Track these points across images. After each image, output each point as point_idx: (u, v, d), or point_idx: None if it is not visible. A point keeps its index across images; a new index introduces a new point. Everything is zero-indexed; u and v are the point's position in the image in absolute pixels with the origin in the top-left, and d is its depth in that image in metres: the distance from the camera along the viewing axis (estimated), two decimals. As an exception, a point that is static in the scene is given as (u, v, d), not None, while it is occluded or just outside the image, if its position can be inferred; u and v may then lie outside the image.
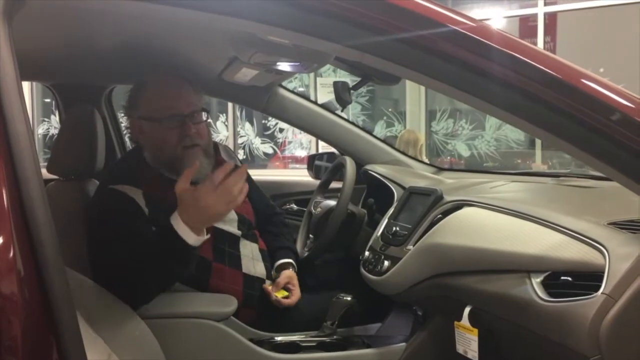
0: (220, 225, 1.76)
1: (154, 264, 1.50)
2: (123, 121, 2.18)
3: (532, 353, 1.35)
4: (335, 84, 1.90)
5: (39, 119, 9.47)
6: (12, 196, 0.79)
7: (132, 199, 1.63)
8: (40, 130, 9.42)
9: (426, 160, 3.80)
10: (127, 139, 2.72)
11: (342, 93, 1.89)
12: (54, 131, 9.40)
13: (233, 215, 1.82)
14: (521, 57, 0.93)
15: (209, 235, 1.49)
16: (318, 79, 8.15)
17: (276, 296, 1.81)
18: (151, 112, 1.70)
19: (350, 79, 2.07)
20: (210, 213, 1.42)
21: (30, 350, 0.78)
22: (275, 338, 1.76)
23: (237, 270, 1.77)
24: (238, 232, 1.82)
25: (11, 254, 0.77)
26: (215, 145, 1.90)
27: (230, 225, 1.81)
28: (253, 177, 1.98)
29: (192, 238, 1.43)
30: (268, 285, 1.84)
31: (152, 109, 1.70)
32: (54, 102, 2.47)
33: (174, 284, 1.61)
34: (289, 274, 1.88)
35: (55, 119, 9.34)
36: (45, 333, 0.79)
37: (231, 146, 8.71)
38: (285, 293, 1.85)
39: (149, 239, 1.57)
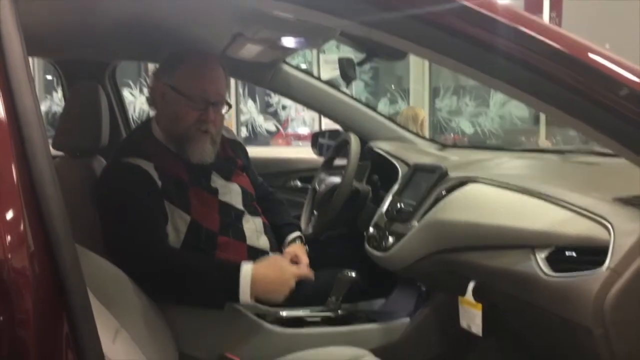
0: (226, 199, 1.79)
1: (192, 280, 1.57)
2: (127, 97, 2.19)
3: (536, 327, 1.36)
4: (340, 60, 1.89)
5: (41, 96, 9.46)
6: (21, 171, 0.79)
7: (146, 172, 1.65)
8: (42, 108, 9.42)
9: (427, 136, 3.78)
10: (130, 115, 2.72)
11: (347, 69, 1.89)
12: (56, 108, 9.39)
13: (237, 188, 1.85)
14: (527, 30, 0.93)
15: (253, 302, 1.57)
16: (321, 55, 8.11)
17: None
18: (182, 85, 1.71)
19: (354, 55, 2.06)
20: (276, 289, 1.58)
21: (42, 323, 0.79)
22: (281, 313, 1.78)
23: (242, 242, 1.79)
24: (242, 208, 1.84)
25: (22, 228, 0.77)
26: None
27: (235, 199, 1.83)
28: (256, 156, 2.00)
29: (246, 296, 1.53)
30: None
31: (184, 83, 1.71)
32: (55, 79, 2.47)
33: (187, 303, 1.63)
34: (289, 251, 1.92)
35: (57, 96, 9.32)
36: (56, 307, 0.80)
37: (234, 124, 8.70)
38: None
39: (164, 217, 1.63)
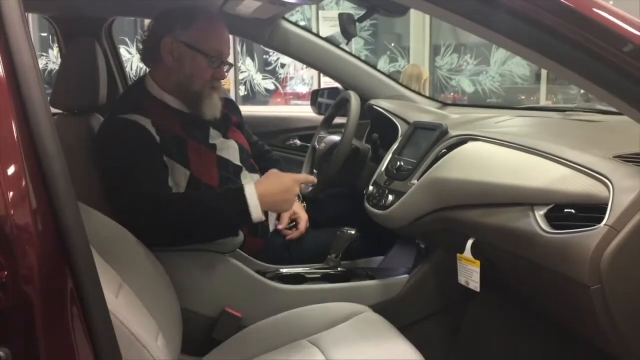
0: (224, 154, 1.80)
1: (203, 214, 1.56)
2: (124, 54, 2.16)
3: (533, 283, 1.38)
4: (341, 16, 1.86)
5: (38, 54, 9.32)
6: (21, 128, 0.79)
7: (144, 128, 1.64)
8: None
9: (428, 95, 3.76)
10: (128, 72, 2.69)
11: (347, 26, 1.86)
12: (52, 66, 9.29)
13: (234, 144, 1.86)
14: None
15: (264, 218, 1.58)
16: (320, 12, 7.98)
17: (284, 228, 1.88)
18: (200, 43, 1.72)
19: (354, 12, 2.03)
20: (282, 198, 1.60)
21: (46, 278, 0.80)
22: (281, 270, 1.80)
23: None
24: (240, 164, 1.85)
25: (23, 184, 0.78)
26: None
27: (233, 155, 1.84)
28: (255, 114, 1.99)
29: (258, 213, 1.54)
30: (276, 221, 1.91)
31: (202, 41, 1.72)
32: (51, 37, 2.43)
33: (203, 242, 1.64)
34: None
35: (53, 54, 9.21)
36: (60, 262, 0.81)
37: (232, 82, 8.63)
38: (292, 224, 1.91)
39: (165, 170, 1.64)
